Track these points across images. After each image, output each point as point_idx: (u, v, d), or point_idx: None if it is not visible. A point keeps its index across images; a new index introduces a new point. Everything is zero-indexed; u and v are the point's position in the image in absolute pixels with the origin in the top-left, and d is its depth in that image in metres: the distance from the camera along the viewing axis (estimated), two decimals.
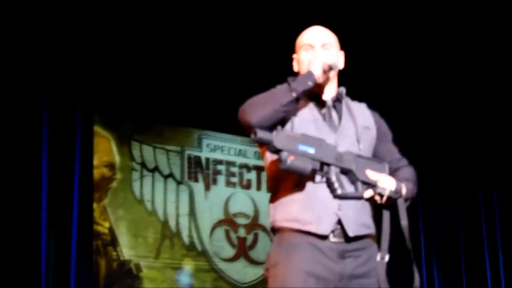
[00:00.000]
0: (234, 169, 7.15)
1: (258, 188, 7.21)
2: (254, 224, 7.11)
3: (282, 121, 2.57)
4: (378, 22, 6.07)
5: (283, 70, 6.15)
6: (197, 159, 6.98)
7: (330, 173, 2.51)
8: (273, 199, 2.65)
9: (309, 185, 2.54)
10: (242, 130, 7.09)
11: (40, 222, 5.65)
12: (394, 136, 2.85)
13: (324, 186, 2.54)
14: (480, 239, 6.99)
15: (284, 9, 5.88)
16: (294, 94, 2.53)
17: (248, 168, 7.22)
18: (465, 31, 6.14)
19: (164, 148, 6.82)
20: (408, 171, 2.76)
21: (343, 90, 2.76)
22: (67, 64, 6.08)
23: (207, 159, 7.03)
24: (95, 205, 6.29)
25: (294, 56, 2.79)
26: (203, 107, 6.83)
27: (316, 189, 2.54)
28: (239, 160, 7.18)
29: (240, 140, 7.20)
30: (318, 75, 2.60)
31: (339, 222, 2.54)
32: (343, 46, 2.83)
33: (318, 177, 2.53)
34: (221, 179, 7.06)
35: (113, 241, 6.38)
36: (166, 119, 6.83)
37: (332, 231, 2.54)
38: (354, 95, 2.84)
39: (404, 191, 2.61)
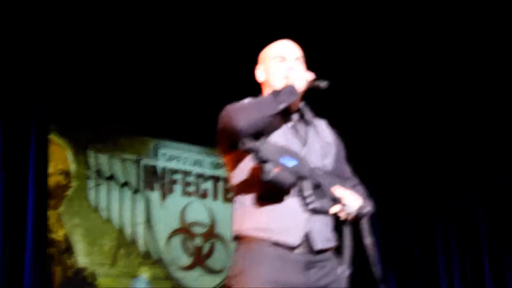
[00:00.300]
0: (190, 179, 7.17)
1: (215, 197, 7.25)
2: (210, 233, 7.14)
3: (256, 135, 2.55)
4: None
5: (236, 82, 6.30)
6: (153, 169, 7.01)
7: (303, 187, 2.52)
8: (239, 207, 2.61)
9: (278, 195, 2.53)
10: (199, 139, 7.08)
11: None
12: (352, 153, 2.92)
13: (293, 198, 2.53)
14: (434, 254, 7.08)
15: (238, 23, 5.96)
16: (280, 107, 2.53)
17: (205, 177, 7.25)
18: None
19: (120, 156, 6.84)
20: (361, 189, 2.78)
21: (303, 104, 2.78)
22: (22, 71, 6.07)
23: (163, 168, 7.06)
24: (50, 213, 6.26)
25: (260, 66, 2.78)
26: (159, 117, 6.85)
27: (286, 200, 2.53)
28: (196, 169, 7.22)
29: (197, 150, 7.24)
30: (300, 91, 2.61)
31: (307, 234, 2.55)
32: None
33: (293, 191, 2.52)
34: (178, 188, 7.09)
35: (68, 249, 6.36)
36: (123, 128, 6.85)
37: (299, 243, 2.54)
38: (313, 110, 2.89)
39: (368, 209, 2.65)
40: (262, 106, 2.52)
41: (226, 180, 7.32)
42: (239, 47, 6.20)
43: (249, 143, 2.36)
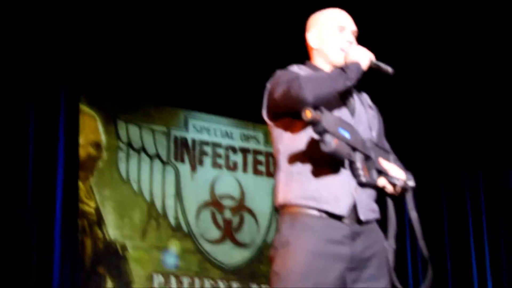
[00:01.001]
0: (220, 151, 7.10)
1: (245, 170, 7.17)
2: (240, 207, 7.07)
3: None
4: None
5: (265, 54, 6.23)
6: (183, 140, 6.92)
7: (356, 159, 2.50)
8: (285, 177, 2.60)
9: (327, 164, 2.52)
10: (229, 111, 7.09)
11: (26, 199, 5.61)
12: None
13: (342, 168, 2.53)
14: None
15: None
16: (348, 83, 2.52)
17: (234, 150, 7.17)
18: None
19: (150, 128, 6.77)
20: (400, 166, 2.76)
21: None
22: (51, 44, 6.02)
23: (193, 140, 6.98)
24: (81, 184, 6.22)
25: (313, 31, 2.75)
26: (189, 88, 6.80)
27: (334, 169, 2.53)
28: (225, 141, 7.14)
29: (227, 121, 7.15)
30: (365, 69, 2.60)
31: (354, 204, 2.55)
32: None
33: (346, 162, 2.52)
34: (207, 160, 7.02)
35: (99, 221, 6.31)
36: (153, 98, 6.78)
37: (347, 213, 2.54)
38: None
39: (412, 182, 2.64)
40: (333, 81, 2.50)
41: (255, 152, 7.26)
42: (268, 18, 6.14)
43: (313, 113, 2.33)
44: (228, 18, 6.21)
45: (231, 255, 6.92)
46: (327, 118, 2.37)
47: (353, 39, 2.70)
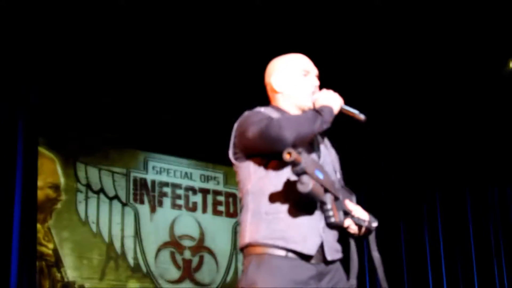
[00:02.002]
0: (180, 192, 7.17)
1: (204, 210, 7.24)
2: (199, 247, 7.13)
3: None
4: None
5: (224, 96, 6.30)
6: (143, 181, 7.00)
7: (327, 200, 2.53)
8: (252, 217, 2.59)
9: (296, 205, 2.54)
10: (189, 152, 7.11)
11: None
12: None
13: (308, 207, 2.55)
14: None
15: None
16: (325, 126, 2.57)
17: (194, 190, 7.25)
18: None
19: (109, 170, 6.83)
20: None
21: None
22: (9, 84, 6.04)
23: (153, 181, 7.05)
24: (39, 226, 6.26)
25: (277, 75, 2.78)
26: (148, 130, 6.86)
27: (303, 210, 2.55)
28: (185, 182, 7.21)
29: (187, 162, 7.23)
30: (336, 113, 2.65)
31: (321, 244, 2.57)
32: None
33: (317, 203, 2.54)
34: (167, 201, 7.09)
35: (57, 262, 6.34)
36: (112, 141, 6.84)
37: (315, 253, 2.56)
38: None
39: (376, 223, 2.69)
40: (311, 122, 2.54)
41: (215, 192, 7.34)
42: (227, 62, 6.22)
43: (294, 154, 2.34)
44: (187, 62, 6.28)
45: None
46: (306, 159, 2.39)
47: (317, 83, 2.75)
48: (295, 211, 2.53)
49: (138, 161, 7.04)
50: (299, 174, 2.36)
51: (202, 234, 7.18)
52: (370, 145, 7.37)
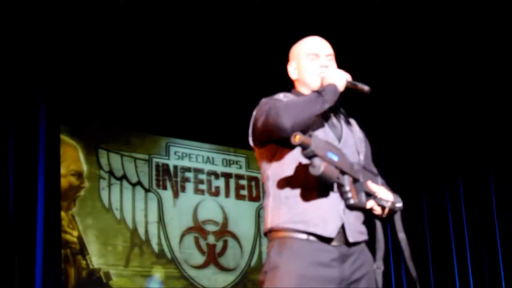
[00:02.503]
0: (203, 177, 7.15)
1: (227, 195, 7.22)
2: (223, 231, 7.12)
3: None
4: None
5: (247, 80, 6.27)
6: (165, 167, 6.98)
7: (344, 182, 2.53)
8: (273, 202, 2.62)
9: (315, 188, 2.55)
10: (210, 137, 7.12)
11: (7, 231, 5.60)
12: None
13: (330, 191, 2.56)
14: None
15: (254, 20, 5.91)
16: (326, 106, 2.56)
17: (216, 175, 7.23)
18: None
19: (131, 156, 6.82)
20: (387, 188, 2.79)
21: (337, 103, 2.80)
22: (32, 73, 6.05)
23: (175, 167, 7.03)
24: (63, 214, 6.27)
25: (292, 63, 2.81)
26: (170, 115, 6.84)
27: (322, 193, 2.56)
28: (207, 167, 7.19)
29: (208, 147, 7.21)
30: (341, 90, 2.64)
31: (342, 226, 2.57)
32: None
33: (334, 185, 2.54)
34: (190, 186, 7.07)
35: (82, 250, 6.35)
36: (134, 127, 6.83)
37: (335, 235, 2.56)
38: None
39: (401, 204, 2.67)
40: (310, 105, 2.54)
41: (237, 177, 7.32)
42: (249, 46, 6.19)
43: (301, 138, 2.36)
44: (208, 46, 6.25)
45: (215, 280, 6.96)
46: (316, 142, 2.39)
47: (328, 63, 2.75)
48: (314, 195, 2.55)
49: (160, 146, 7.02)
50: (309, 157, 2.38)
51: (225, 218, 7.17)
52: (392, 117, 7.30)
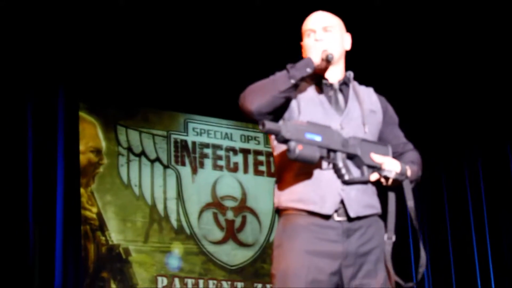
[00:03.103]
0: (221, 153, 7.16)
1: (245, 171, 7.23)
2: (242, 207, 7.13)
3: (287, 106, 2.63)
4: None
5: (267, 55, 6.25)
6: (184, 143, 6.99)
7: (336, 159, 2.55)
8: (278, 181, 2.70)
9: (311, 169, 2.59)
10: (228, 113, 7.14)
11: (26, 208, 5.67)
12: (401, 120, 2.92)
13: (327, 169, 2.59)
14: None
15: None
16: (292, 81, 2.56)
17: (235, 151, 7.23)
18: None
19: (150, 132, 6.84)
20: (413, 155, 2.82)
21: (350, 74, 2.82)
22: (50, 50, 6.08)
23: (194, 143, 7.04)
24: (82, 191, 6.30)
25: (302, 43, 2.82)
26: (188, 91, 6.84)
27: (320, 171, 2.59)
28: (226, 143, 7.19)
29: (226, 123, 7.21)
30: (317, 62, 2.64)
31: (342, 202, 2.59)
32: (351, 29, 2.87)
33: (325, 164, 2.58)
34: (208, 162, 7.08)
35: (102, 226, 6.39)
36: (152, 103, 6.84)
37: (336, 211, 2.59)
38: (361, 79, 2.88)
39: (409, 173, 2.67)
40: (274, 84, 2.56)
41: (256, 153, 7.32)
42: (267, 20, 6.17)
43: (268, 125, 2.40)
44: (225, 22, 6.24)
45: (235, 255, 6.99)
46: (288, 126, 2.43)
47: (322, 36, 2.73)
48: (312, 173, 2.58)
49: (178, 123, 7.03)
50: (282, 142, 2.43)
51: (244, 194, 7.18)
52: (413, 98, 7.25)
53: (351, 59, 2.94)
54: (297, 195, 2.60)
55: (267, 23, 6.24)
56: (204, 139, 7.09)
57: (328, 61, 2.65)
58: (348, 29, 2.88)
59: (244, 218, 7.13)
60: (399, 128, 2.88)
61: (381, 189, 2.70)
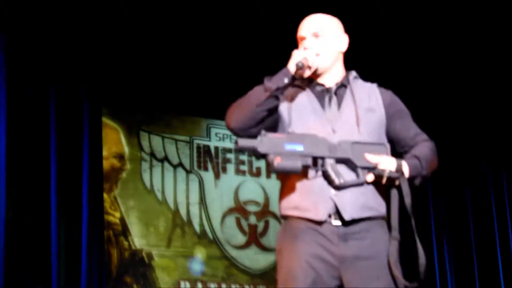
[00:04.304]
0: (243, 157, 7.17)
1: (268, 175, 7.24)
2: (264, 212, 7.15)
3: (277, 117, 2.66)
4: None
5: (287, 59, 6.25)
6: (206, 148, 7.02)
7: (325, 166, 2.56)
8: (280, 189, 2.75)
9: (306, 175, 2.61)
10: None
11: (50, 213, 5.70)
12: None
13: (320, 176, 2.60)
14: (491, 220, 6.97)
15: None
16: (267, 93, 2.58)
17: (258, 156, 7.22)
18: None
19: (172, 138, 6.88)
20: (421, 148, 2.75)
21: (351, 73, 2.81)
22: (73, 57, 6.13)
23: (216, 148, 7.07)
24: (105, 196, 6.36)
25: None
26: (211, 96, 6.85)
27: (312, 179, 2.61)
28: None
29: None
30: (293, 71, 2.63)
31: (336, 207, 2.59)
32: (353, 32, 2.87)
33: (311, 172, 2.58)
34: (231, 167, 7.10)
35: (124, 231, 6.44)
36: (174, 109, 6.88)
37: (329, 216, 2.59)
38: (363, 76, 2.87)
39: (405, 169, 2.63)
40: (251, 99, 2.61)
41: None
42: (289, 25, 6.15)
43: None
44: (249, 28, 6.26)
45: (257, 260, 7.01)
46: (263, 141, 2.48)
47: (309, 43, 2.74)
48: (306, 181, 2.60)
49: (201, 128, 7.06)
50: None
51: (266, 199, 7.19)
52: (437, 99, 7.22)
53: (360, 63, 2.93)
54: (293, 203, 2.64)
55: (290, 28, 6.23)
56: (226, 144, 7.11)
57: (300, 69, 2.62)
58: (350, 32, 2.87)
59: (267, 222, 7.15)
60: (412, 120, 2.83)
61: (386, 189, 2.67)
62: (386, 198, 2.69)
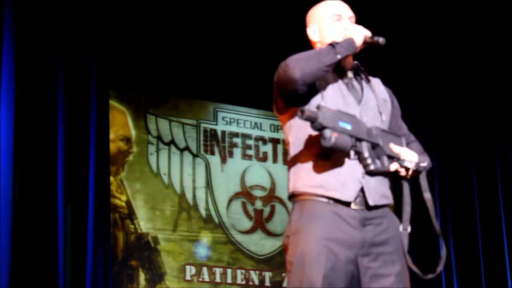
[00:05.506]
0: (250, 142, 7.15)
1: (275, 160, 7.22)
2: (270, 196, 7.13)
3: (312, 92, 2.61)
4: None
5: (296, 43, 6.22)
6: (213, 132, 6.99)
7: (362, 149, 2.54)
8: (294, 166, 2.66)
9: (333, 154, 2.56)
10: (258, 102, 7.11)
11: (56, 196, 5.67)
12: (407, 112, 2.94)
13: (346, 154, 2.57)
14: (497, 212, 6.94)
15: None
16: (338, 56, 2.54)
17: (264, 140, 7.22)
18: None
19: (179, 121, 6.85)
20: (418, 146, 2.81)
21: (357, 64, 2.81)
22: (81, 39, 6.08)
23: (223, 132, 7.04)
24: (112, 179, 6.33)
25: (312, 26, 2.79)
26: (218, 80, 6.84)
27: (341, 157, 2.57)
28: (255, 132, 7.18)
29: (256, 112, 7.19)
30: (359, 44, 2.63)
31: (362, 190, 2.58)
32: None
33: (352, 153, 2.56)
34: (237, 151, 7.08)
35: (131, 214, 6.43)
36: (182, 92, 6.85)
37: (355, 199, 2.58)
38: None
39: (425, 164, 2.66)
40: (320, 56, 2.53)
41: (285, 142, 7.30)
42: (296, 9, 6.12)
43: (308, 112, 2.38)
44: (255, 12, 6.23)
45: (263, 245, 7.00)
46: (324, 114, 2.41)
47: (350, 26, 2.72)
48: (333, 160, 2.56)
49: (208, 112, 7.03)
50: (318, 129, 2.41)
51: (273, 184, 7.17)
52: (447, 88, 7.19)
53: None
54: (317, 181, 2.57)
55: (300, 14, 6.19)
56: (233, 128, 7.09)
57: (366, 43, 2.63)
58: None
59: (272, 207, 7.13)
60: (402, 120, 2.88)
61: (394, 180, 2.69)
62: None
